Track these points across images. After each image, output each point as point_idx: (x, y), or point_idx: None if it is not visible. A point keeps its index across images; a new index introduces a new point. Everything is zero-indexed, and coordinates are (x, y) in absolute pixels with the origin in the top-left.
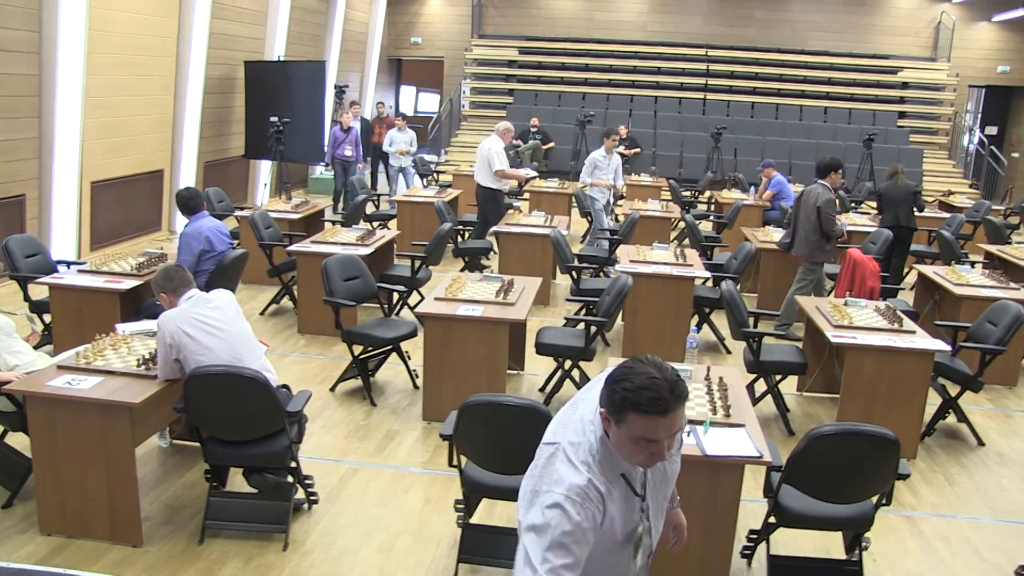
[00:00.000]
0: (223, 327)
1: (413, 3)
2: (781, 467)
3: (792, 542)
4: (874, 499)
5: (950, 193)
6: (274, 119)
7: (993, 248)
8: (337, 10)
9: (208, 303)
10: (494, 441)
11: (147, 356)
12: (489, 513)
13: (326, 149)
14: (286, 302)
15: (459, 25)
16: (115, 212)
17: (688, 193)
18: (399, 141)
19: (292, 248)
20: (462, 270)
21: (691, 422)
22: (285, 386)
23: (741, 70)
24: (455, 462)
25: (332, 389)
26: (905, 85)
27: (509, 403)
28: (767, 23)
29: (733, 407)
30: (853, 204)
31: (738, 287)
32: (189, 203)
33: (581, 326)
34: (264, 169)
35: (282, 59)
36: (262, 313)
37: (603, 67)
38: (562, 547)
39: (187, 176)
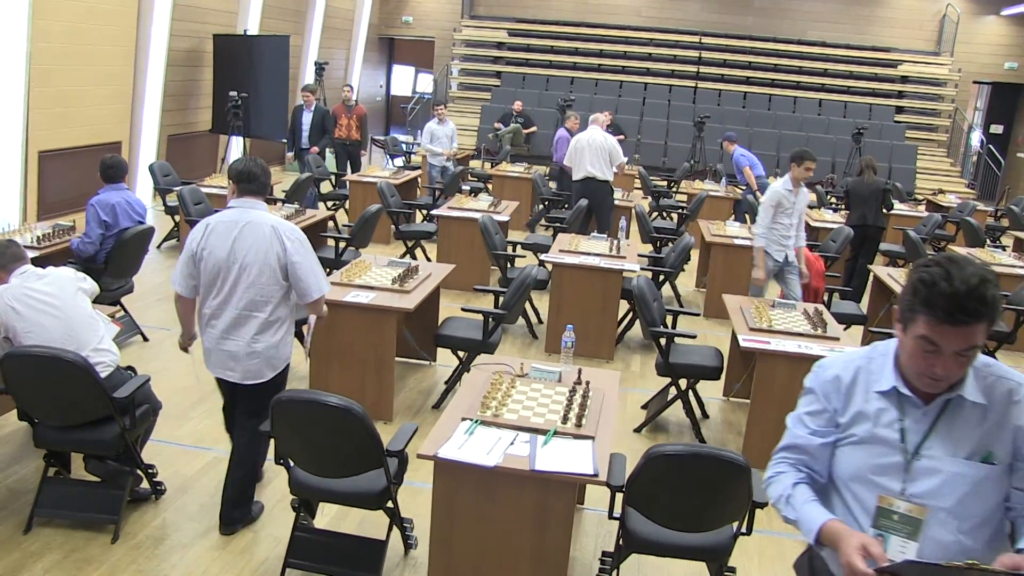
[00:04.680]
0: (56, 303)
1: None
2: (623, 488)
3: (664, 565)
4: (734, 526)
5: (940, 192)
6: (232, 94)
7: (963, 251)
8: None
9: (41, 278)
10: (308, 441)
11: None
12: (343, 516)
13: (553, 148)
14: None
15: (451, 5)
16: (67, 183)
17: (664, 183)
18: (440, 135)
19: None
20: (403, 255)
21: (535, 431)
22: (130, 367)
23: (735, 59)
24: (280, 459)
25: None
26: (905, 79)
27: (324, 402)
28: (765, 11)
29: (588, 417)
30: (833, 201)
31: (669, 281)
32: (108, 172)
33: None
34: (234, 144)
35: (247, 33)
36: None
37: (593, 52)
38: None
39: (148, 149)
